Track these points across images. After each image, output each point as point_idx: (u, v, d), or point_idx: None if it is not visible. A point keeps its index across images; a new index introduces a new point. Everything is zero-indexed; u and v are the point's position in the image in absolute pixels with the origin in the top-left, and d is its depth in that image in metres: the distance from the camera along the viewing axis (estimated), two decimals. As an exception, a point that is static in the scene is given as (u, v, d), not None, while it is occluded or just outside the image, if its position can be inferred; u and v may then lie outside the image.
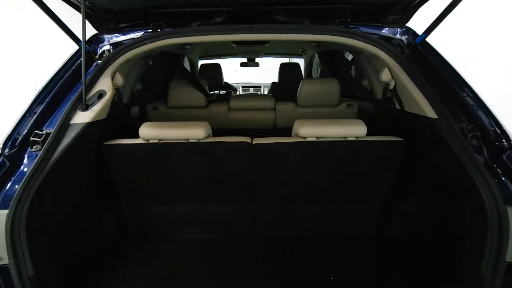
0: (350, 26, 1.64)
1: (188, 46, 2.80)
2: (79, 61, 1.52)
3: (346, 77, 2.75)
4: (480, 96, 1.40)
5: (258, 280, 1.56)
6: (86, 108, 1.41)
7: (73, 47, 1.56)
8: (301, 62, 4.36)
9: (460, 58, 1.51)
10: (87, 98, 1.42)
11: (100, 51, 1.65)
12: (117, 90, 1.70)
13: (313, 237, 1.87)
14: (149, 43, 1.53)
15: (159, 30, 1.65)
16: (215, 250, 1.78)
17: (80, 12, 1.36)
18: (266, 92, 5.01)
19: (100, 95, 1.47)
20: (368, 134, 1.58)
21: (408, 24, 1.68)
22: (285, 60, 4.96)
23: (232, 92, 4.28)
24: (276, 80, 3.96)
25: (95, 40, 1.70)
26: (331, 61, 3.16)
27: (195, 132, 1.57)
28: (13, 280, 1.14)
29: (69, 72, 1.52)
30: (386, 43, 1.53)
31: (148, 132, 1.57)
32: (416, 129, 1.54)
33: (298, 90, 2.29)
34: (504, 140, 1.29)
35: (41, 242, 1.26)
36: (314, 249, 1.78)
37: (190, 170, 1.69)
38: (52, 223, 1.34)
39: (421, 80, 1.43)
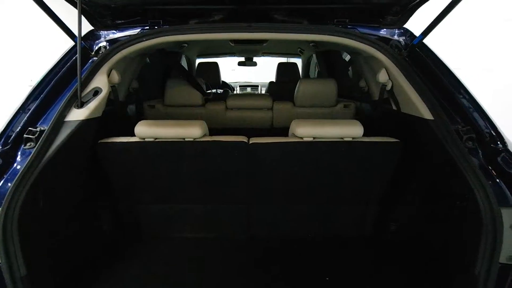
0: (348, 26, 1.65)
1: (186, 44, 2.78)
2: (74, 58, 1.50)
3: (344, 78, 2.76)
4: (475, 98, 1.41)
5: (254, 280, 1.56)
6: (81, 105, 1.39)
7: (69, 43, 1.54)
8: (298, 62, 4.37)
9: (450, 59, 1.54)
10: (82, 95, 1.41)
11: (96, 48, 1.63)
12: (113, 88, 1.68)
13: (309, 238, 1.87)
14: (146, 40, 1.51)
15: (156, 27, 1.64)
16: (211, 249, 1.78)
17: (76, 7, 1.35)
18: (263, 92, 5.00)
19: (96, 92, 1.45)
20: (365, 135, 1.58)
21: (406, 26, 1.69)
22: (283, 59, 4.96)
23: (230, 91, 4.28)
24: (274, 80, 3.96)
25: (91, 37, 1.68)
26: (328, 61, 3.16)
27: (192, 131, 1.56)
28: (5, 280, 1.13)
29: (64, 69, 1.50)
30: (383, 44, 1.53)
31: (144, 130, 1.56)
32: (412, 131, 1.55)
33: (296, 90, 2.29)
34: (499, 142, 1.30)
35: (34, 241, 1.24)
36: (310, 250, 1.78)
37: (186, 169, 1.68)
38: (45, 222, 1.32)
39: (418, 81, 1.44)
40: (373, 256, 1.75)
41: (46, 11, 1.35)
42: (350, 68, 2.79)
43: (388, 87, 1.67)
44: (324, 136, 1.58)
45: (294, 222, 1.89)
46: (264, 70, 5.04)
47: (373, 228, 1.88)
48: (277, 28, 1.53)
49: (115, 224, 1.85)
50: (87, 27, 1.64)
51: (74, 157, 1.48)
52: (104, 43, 1.64)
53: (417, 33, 1.56)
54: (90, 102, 1.42)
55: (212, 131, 1.70)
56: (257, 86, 5.35)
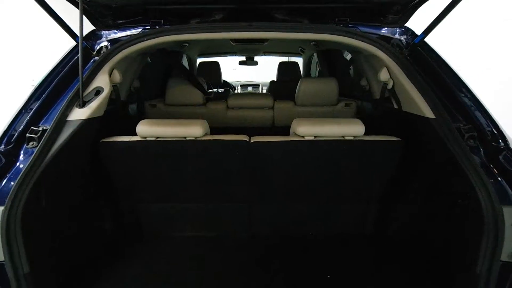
0: (350, 25, 1.64)
1: (187, 44, 2.79)
2: (76, 57, 1.51)
3: (345, 77, 2.75)
4: (477, 97, 1.41)
5: (255, 278, 1.56)
6: (83, 104, 1.40)
7: (71, 43, 1.55)
8: (299, 61, 4.36)
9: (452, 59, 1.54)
10: (84, 95, 1.41)
11: (98, 48, 1.64)
12: (114, 87, 1.69)
13: (310, 236, 1.88)
14: (147, 39, 1.52)
15: (157, 27, 1.64)
16: (212, 248, 1.78)
17: (77, 7, 1.35)
18: (264, 91, 5.00)
19: (98, 91, 1.46)
20: (366, 133, 1.58)
21: (407, 24, 1.69)
22: (284, 59, 4.95)
23: (231, 90, 4.28)
24: (275, 79, 3.96)
25: (93, 36, 1.69)
26: (329, 60, 3.16)
27: (193, 130, 1.56)
28: (8, 277, 1.14)
29: (66, 68, 1.51)
30: (385, 42, 1.53)
31: (146, 129, 1.56)
32: (414, 129, 1.55)
33: (297, 89, 2.29)
34: (500, 141, 1.30)
35: (37, 239, 1.25)
36: (311, 249, 1.79)
37: (188, 168, 1.68)
38: (48, 220, 1.33)
39: (419, 80, 1.43)
40: (374, 255, 1.75)
41: (47, 11, 1.36)
42: (351, 67, 2.79)
43: (389, 86, 1.67)
44: (325, 135, 1.58)
45: (295, 220, 1.89)
46: (265, 70, 5.04)
47: (374, 227, 1.88)
48: (277, 27, 1.53)
49: (117, 223, 1.86)
50: (88, 27, 1.65)
51: (76, 156, 1.49)
52: (105, 43, 1.65)
53: (419, 32, 1.56)
54: (92, 101, 1.43)
55: (213, 130, 1.71)
56: (258, 85, 5.35)
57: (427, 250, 1.59)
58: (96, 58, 1.57)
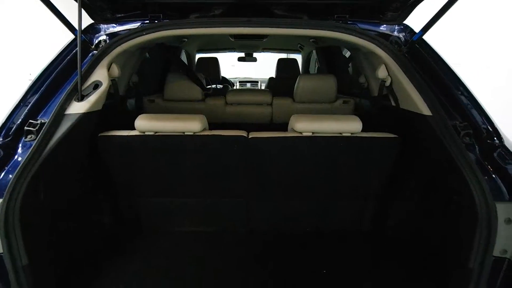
0: (349, 22, 1.65)
1: (186, 39, 2.78)
2: (74, 51, 1.50)
3: (344, 74, 2.76)
4: (474, 95, 1.42)
5: (253, 273, 1.58)
6: (81, 98, 1.40)
7: (69, 37, 1.54)
8: (298, 58, 4.36)
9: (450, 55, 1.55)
10: (82, 89, 1.41)
11: (96, 41, 1.63)
12: (113, 81, 1.68)
13: (307, 232, 1.89)
14: (146, 34, 1.51)
15: (156, 21, 1.64)
16: (211, 243, 1.79)
17: (76, 1, 1.34)
18: (263, 88, 5.00)
19: (96, 85, 1.46)
20: (363, 130, 1.59)
21: (405, 22, 1.69)
22: (283, 55, 4.94)
23: (229, 86, 4.27)
24: (274, 76, 3.96)
25: (92, 30, 1.68)
26: (328, 57, 3.16)
27: (191, 124, 1.57)
28: (7, 269, 1.14)
29: (64, 62, 1.50)
30: (383, 40, 1.53)
31: (144, 124, 1.56)
32: (411, 126, 1.56)
33: (295, 85, 2.29)
34: (495, 138, 1.32)
35: (36, 231, 1.26)
36: (308, 245, 1.80)
37: (186, 163, 1.69)
38: (46, 213, 1.34)
39: (417, 77, 1.44)
40: (371, 251, 1.77)
41: (46, 4, 1.35)
42: (350, 64, 2.79)
43: (387, 83, 1.68)
44: (323, 131, 1.59)
45: (293, 216, 1.91)
46: (264, 66, 5.04)
47: (371, 223, 1.89)
48: (276, 23, 1.53)
49: (115, 217, 1.87)
50: (87, 20, 1.64)
51: (75, 150, 1.49)
52: (104, 37, 1.64)
53: (417, 29, 1.57)
54: (90, 95, 1.43)
55: (211, 126, 1.71)
56: (257, 82, 5.34)
57: (423, 246, 1.61)
58: (94, 52, 1.57)
